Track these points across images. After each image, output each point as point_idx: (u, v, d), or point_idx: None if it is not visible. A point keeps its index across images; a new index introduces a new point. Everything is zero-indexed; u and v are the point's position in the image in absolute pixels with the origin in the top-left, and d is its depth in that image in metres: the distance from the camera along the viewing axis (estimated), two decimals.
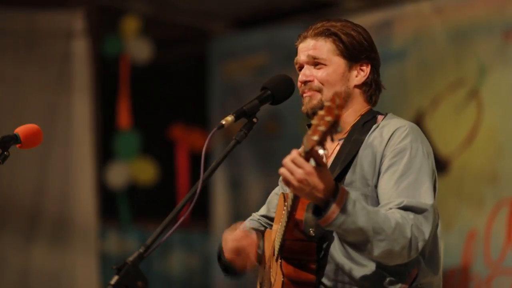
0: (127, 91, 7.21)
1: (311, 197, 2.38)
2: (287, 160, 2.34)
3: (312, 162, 2.34)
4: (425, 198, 2.51)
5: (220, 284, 7.25)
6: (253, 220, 2.97)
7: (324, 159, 2.71)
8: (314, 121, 2.24)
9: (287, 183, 2.35)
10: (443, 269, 5.59)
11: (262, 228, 2.91)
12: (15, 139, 2.77)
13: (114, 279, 2.28)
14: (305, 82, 2.72)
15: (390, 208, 2.47)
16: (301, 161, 2.31)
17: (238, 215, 7.19)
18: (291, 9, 6.82)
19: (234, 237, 2.71)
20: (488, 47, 5.45)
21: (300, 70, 2.77)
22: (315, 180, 2.33)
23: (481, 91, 5.48)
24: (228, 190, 7.29)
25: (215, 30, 7.40)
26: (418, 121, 5.68)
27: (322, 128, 2.21)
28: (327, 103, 2.23)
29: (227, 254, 2.74)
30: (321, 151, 2.25)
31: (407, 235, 2.43)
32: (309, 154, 2.29)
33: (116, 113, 7.18)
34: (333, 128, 2.22)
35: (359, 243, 2.42)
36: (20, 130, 2.80)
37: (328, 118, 2.20)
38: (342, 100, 2.23)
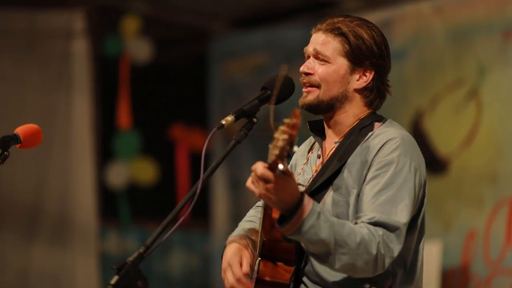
0: (127, 91, 7.21)
1: (276, 206, 2.39)
2: (253, 175, 2.35)
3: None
4: (400, 216, 2.49)
5: (220, 284, 7.24)
6: (259, 207, 2.97)
7: (320, 159, 2.71)
8: (276, 134, 2.27)
9: (254, 190, 2.37)
10: (443, 269, 5.60)
11: None
12: (15, 139, 2.77)
13: (114, 279, 2.28)
14: (306, 73, 2.72)
15: (363, 222, 2.47)
16: (268, 175, 2.32)
17: (238, 215, 7.17)
18: (291, 9, 6.82)
19: (234, 276, 2.67)
20: (488, 47, 5.45)
21: (308, 59, 2.77)
22: (280, 190, 2.33)
23: (480, 91, 5.48)
24: (228, 190, 7.29)
25: (215, 30, 7.41)
26: (417, 121, 5.69)
27: (280, 144, 2.24)
28: (286, 120, 2.26)
29: (224, 278, 2.74)
30: (280, 166, 2.28)
31: (372, 251, 2.42)
32: (272, 167, 2.31)
33: (116, 113, 7.18)
34: (288, 145, 2.24)
35: (321, 254, 2.42)
36: (20, 130, 2.80)
37: (285, 136, 2.24)
38: (298, 119, 2.25)
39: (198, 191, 2.45)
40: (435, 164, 5.61)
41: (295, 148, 2.26)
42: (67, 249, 6.69)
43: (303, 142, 2.92)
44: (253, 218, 2.90)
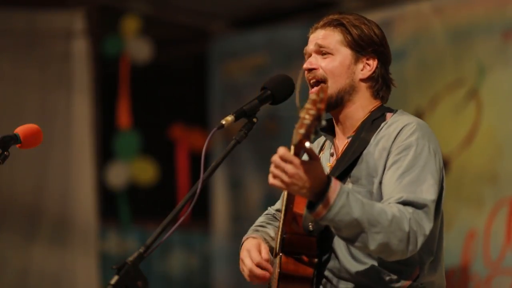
0: (127, 91, 7.21)
1: (303, 192, 2.35)
2: (275, 157, 2.32)
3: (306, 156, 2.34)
4: (426, 194, 2.50)
5: (220, 284, 7.26)
6: (269, 214, 2.96)
7: (334, 156, 2.71)
8: (301, 114, 2.25)
9: (279, 181, 2.32)
10: None
11: (277, 224, 2.89)
12: (15, 139, 2.77)
13: (114, 279, 2.29)
14: (309, 70, 2.72)
15: (390, 203, 2.46)
16: (290, 156, 2.30)
17: (238, 215, 7.19)
18: (291, 9, 6.82)
19: (252, 261, 2.66)
20: (488, 47, 5.45)
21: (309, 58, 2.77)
22: (306, 174, 2.30)
23: (480, 91, 5.48)
24: (228, 190, 7.29)
25: (215, 30, 7.41)
26: None
27: (307, 121, 2.22)
28: (312, 96, 2.23)
29: (242, 266, 2.71)
30: (307, 144, 2.25)
31: (405, 228, 2.40)
32: (298, 148, 2.29)
33: (116, 113, 7.18)
34: (316, 121, 2.22)
35: (354, 236, 2.39)
36: (20, 130, 2.80)
37: (312, 112, 2.21)
38: (326, 94, 2.23)
39: (198, 191, 2.45)
40: None
41: (324, 123, 2.23)
42: (67, 249, 6.69)
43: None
44: (263, 223, 2.89)
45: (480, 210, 5.37)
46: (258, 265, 2.64)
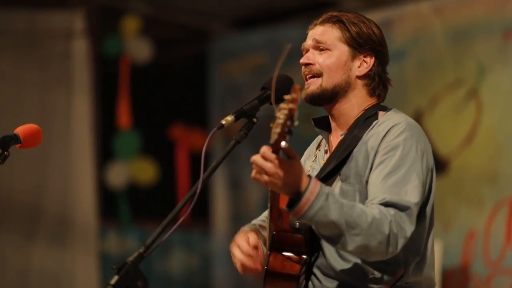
0: (127, 91, 7.21)
1: (284, 191, 2.37)
2: (256, 157, 2.34)
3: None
4: (410, 196, 2.48)
5: (220, 284, 7.26)
6: None
7: (328, 153, 2.72)
8: (277, 114, 2.27)
9: (259, 179, 2.34)
10: (443, 269, 5.59)
11: None
12: (15, 139, 2.77)
13: (114, 279, 2.29)
14: (306, 64, 2.73)
15: (373, 204, 2.46)
16: (270, 155, 2.31)
17: (238, 215, 7.20)
18: (291, 9, 6.82)
19: (242, 252, 2.66)
20: (488, 47, 5.46)
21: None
22: (285, 173, 2.32)
23: (480, 91, 5.48)
24: (228, 190, 7.29)
25: (215, 30, 7.41)
26: (417, 120, 5.67)
27: (281, 121, 2.24)
28: (286, 97, 2.25)
29: (234, 260, 2.72)
30: (283, 143, 2.27)
31: (385, 230, 2.40)
32: (275, 147, 2.30)
33: (116, 113, 7.18)
34: (289, 120, 2.23)
35: (333, 237, 2.39)
36: (20, 130, 2.80)
37: (285, 111, 2.24)
38: (297, 94, 2.24)
39: (198, 191, 2.45)
40: (435, 164, 5.60)
41: (296, 123, 2.25)
42: (67, 249, 6.69)
43: (311, 143, 2.92)
44: (264, 217, 2.89)
45: (480, 210, 5.37)
46: (248, 256, 2.65)
